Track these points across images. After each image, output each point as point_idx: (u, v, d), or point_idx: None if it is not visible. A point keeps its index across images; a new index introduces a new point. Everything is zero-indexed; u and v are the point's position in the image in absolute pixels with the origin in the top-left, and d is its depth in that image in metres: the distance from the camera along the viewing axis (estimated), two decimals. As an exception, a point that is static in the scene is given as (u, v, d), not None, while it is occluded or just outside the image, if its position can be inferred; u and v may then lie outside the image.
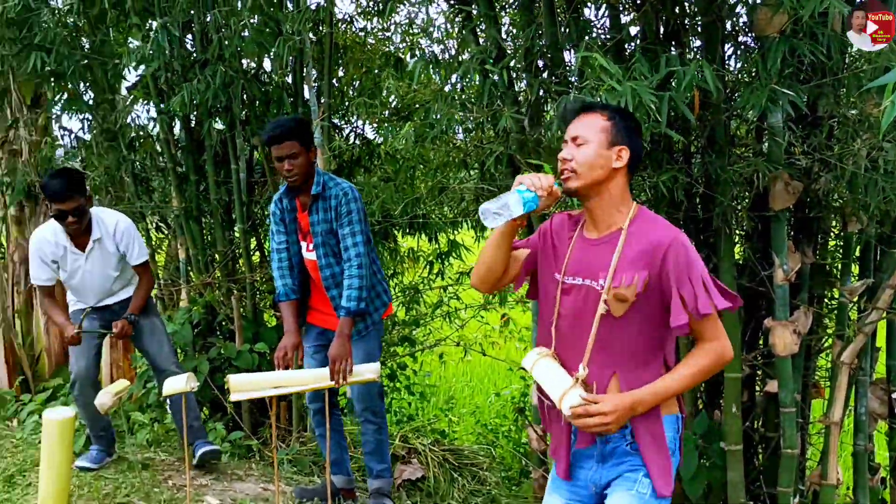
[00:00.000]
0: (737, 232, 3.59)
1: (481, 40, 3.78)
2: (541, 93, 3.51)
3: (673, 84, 2.75)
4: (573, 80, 3.41)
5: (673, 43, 3.51)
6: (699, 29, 3.39)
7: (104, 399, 3.72)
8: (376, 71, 5.55)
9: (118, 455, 4.38)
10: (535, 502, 4.16)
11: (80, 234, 3.92)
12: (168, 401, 4.26)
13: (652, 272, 2.10)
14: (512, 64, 3.59)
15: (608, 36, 3.48)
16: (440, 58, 3.59)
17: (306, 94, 4.97)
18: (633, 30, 3.52)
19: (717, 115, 3.14)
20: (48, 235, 3.94)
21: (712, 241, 3.46)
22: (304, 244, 3.68)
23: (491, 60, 3.41)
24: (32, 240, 4.01)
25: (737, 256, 3.58)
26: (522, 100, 3.74)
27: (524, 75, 3.58)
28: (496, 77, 3.41)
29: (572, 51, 3.50)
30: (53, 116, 5.98)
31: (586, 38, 3.42)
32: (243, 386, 3.43)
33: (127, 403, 5.18)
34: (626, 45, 3.48)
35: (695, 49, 3.51)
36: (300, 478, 4.43)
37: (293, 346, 3.54)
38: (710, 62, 2.80)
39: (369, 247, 3.62)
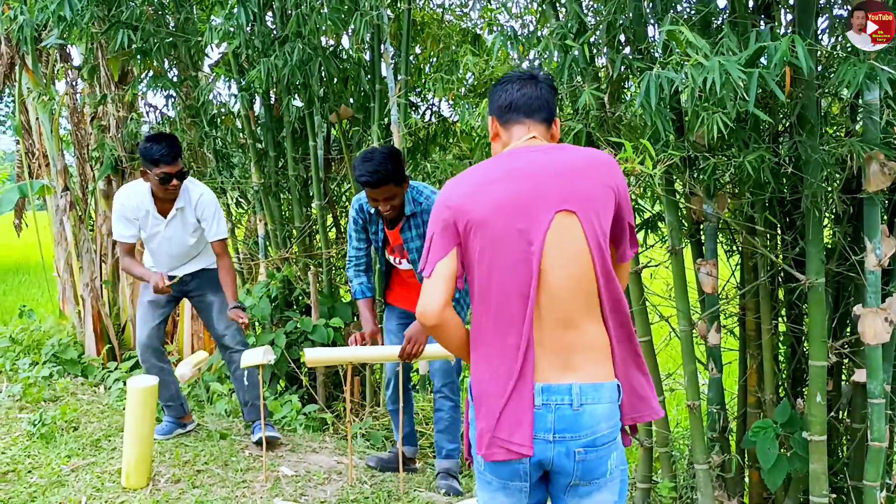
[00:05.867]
0: (826, 214, 3.44)
1: (562, 15, 3.70)
2: (622, 69, 3.42)
3: (763, 60, 2.64)
4: (657, 55, 3.31)
5: (763, 16, 3.37)
6: (791, 2, 3.24)
7: (184, 370, 3.83)
8: (453, 47, 5.51)
9: (198, 423, 4.50)
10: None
11: (167, 200, 3.99)
12: (232, 375, 4.26)
13: None
14: (593, 39, 3.51)
15: (694, 10, 3.36)
16: (519, 33, 3.51)
17: (383, 71, 4.97)
18: (722, 3, 3.39)
19: (808, 92, 3.00)
20: (132, 195, 3.97)
21: (800, 223, 3.33)
22: (391, 257, 3.71)
23: (571, 35, 3.33)
24: (117, 197, 4.04)
25: (826, 240, 3.44)
26: (603, 76, 3.65)
27: (605, 51, 3.50)
28: (576, 53, 3.34)
29: (656, 25, 3.39)
30: (140, 93, 6.14)
31: (671, 11, 3.31)
32: (318, 359, 3.53)
33: (206, 374, 5.33)
34: (713, 20, 3.35)
35: (786, 23, 3.36)
36: (372, 451, 4.49)
37: (371, 333, 3.63)
38: (803, 37, 2.66)
39: None
